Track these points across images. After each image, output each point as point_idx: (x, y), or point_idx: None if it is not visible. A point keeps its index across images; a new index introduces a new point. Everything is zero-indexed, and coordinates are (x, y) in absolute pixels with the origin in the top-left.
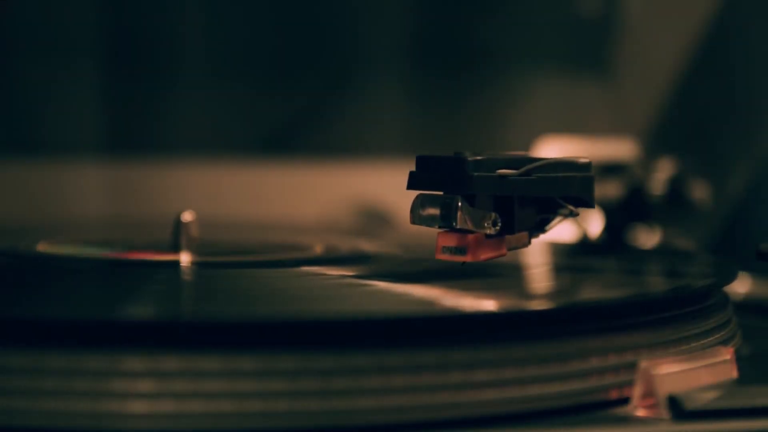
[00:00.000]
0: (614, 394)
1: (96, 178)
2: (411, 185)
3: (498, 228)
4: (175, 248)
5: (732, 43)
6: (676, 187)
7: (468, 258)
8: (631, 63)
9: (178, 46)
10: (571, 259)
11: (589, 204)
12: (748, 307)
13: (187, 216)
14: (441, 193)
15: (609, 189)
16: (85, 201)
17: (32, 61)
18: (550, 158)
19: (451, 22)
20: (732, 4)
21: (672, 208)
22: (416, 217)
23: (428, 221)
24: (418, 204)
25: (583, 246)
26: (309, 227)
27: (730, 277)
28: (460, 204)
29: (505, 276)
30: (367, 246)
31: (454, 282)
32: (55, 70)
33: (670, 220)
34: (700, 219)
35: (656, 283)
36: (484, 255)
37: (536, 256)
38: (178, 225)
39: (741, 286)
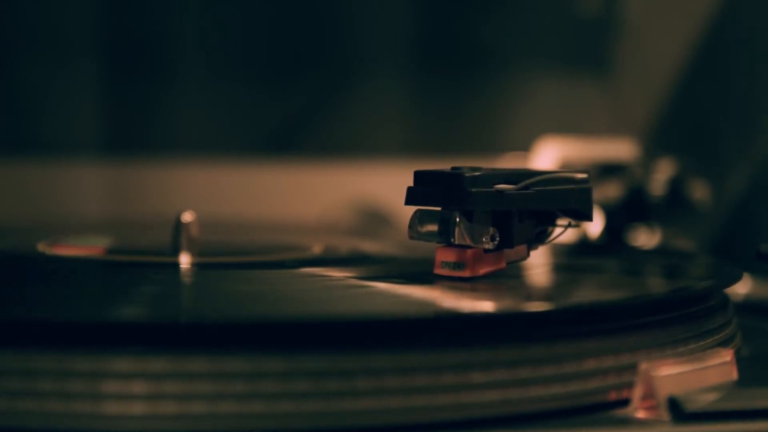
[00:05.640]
0: (614, 396)
1: (96, 178)
2: (409, 200)
3: (496, 243)
4: (175, 249)
5: (732, 44)
6: (676, 187)
7: (467, 273)
8: (631, 63)
9: (178, 46)
10: (571, 259)
11: (587, 216)
12: (748, 307)
13: (187, 216)
14: (439, 208)
15: (609, 189)
16: (85, 201)
17: (32, 61)
18: (548, 172)
19: (451, 22)
20: (732, 4)
21: (672, 208)
22: (415, 233)
23: (427, 237)
24: (416, 220)
25: (583, 246)
26: (309, 227)
27: (733, 279)
28: (458, 220)
29: (504, 277)
30: (367, 246)
31: (453, 283)
32: (55, 70)
33: (670, 220)
34: (700, 219)
35: (656, 284)
36: (483, 270)
37: (536, 257)
38: (178, 225)
39: (741, 287)
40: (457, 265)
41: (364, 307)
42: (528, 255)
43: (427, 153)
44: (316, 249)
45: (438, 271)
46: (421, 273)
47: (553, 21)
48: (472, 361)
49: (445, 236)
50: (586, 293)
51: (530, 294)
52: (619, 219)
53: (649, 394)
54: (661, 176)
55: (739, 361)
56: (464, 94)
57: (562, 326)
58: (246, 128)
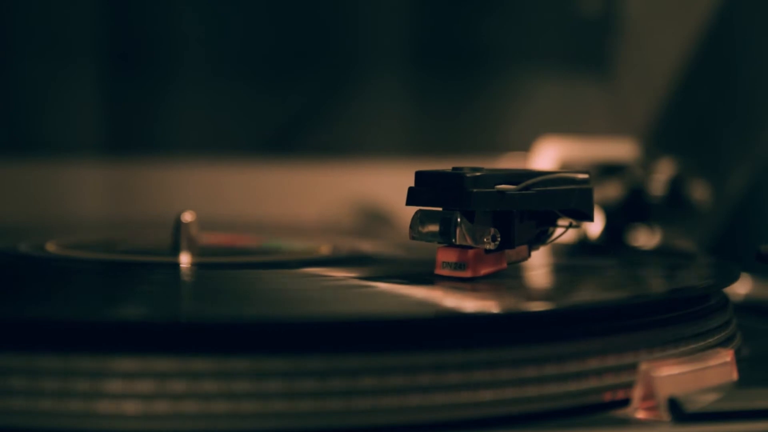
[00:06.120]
0: (614, 396)
1: (96, 178)
2: (410, 201)
3: (497, 243)
4: (175, 249)
5: (732, 43)
6: (676, 187)
7: (468, 273)
8: (631, 63)
9: (178, 45)
10: (571, 259)
11: (588, 217)
12: (748, 308)
13: (187, 216)
14: (440, 209)
15: (609, 190)
16: (85, 201)
17: (32, 61)
18: (549, 172)
19: (451, 22)
20: (732, 4)
21: (672, 208)
22: (416, 233)
23: (428, 237)
24: (418, 220)
25: (583, 246)
26: (309, 227)
27: (732, 279)
28: (459, 220)
29: (504, 277)
30: (367, 246)
31: (454, 283)
32: (55, 70)
33: (670, 220)
34: (701, 220)
35: (656, 284)
36: (484, 270)
37: (536, 257)
38: (178, 225)
39: (741, 287)
40: (459, 266)
41: (365, 308)
42: (529, 255)
43: (427, 153)
44: (317, 249)
45: (439, 271)
46: (422, 273)
47: (553, 21)
48: (472, 361)
49: (446, 236)
50: (587, 293)
51: (531, 294)
52: (619, 219)
53: (649, 395)
54: (661, 176)
55: (739, 361)
56: (464, 94)
57: (563, 326)
58: (246, 128)
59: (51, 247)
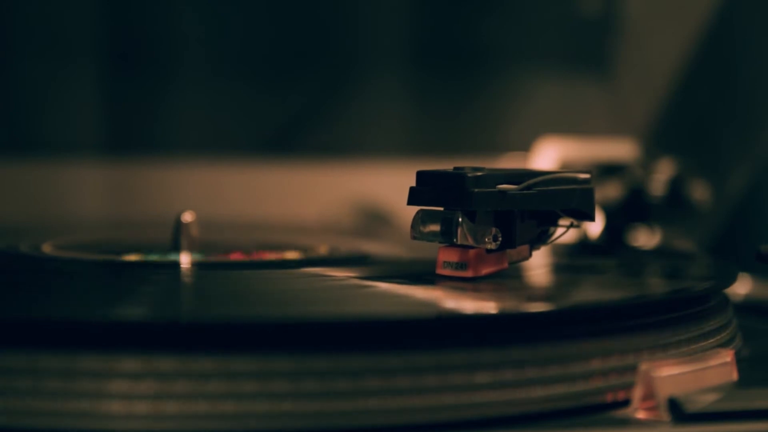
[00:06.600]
0: (614, 397)
1: (96, 178)
2: (411, 201)
3: (498, 243)
4: (175, 248)
5: (732, 43)
6: (676, 187)
7: (469, 273)
8: (631, 63)
9: (178, 45)
10: (571, 259)
11: (589, 216)
12: (748, 308)
13: (187, 216)
14: (441, 208)
15: (609, 190)
16: (85, 201)
17: (32, 61)
18: (550, 172)
19: (451, 21)
20: (732, 4)
21: (672, 208)
22: (417, 233)
23: (429, 237)
24: (419, 220)
25: (583, 247)
26: (309, 227)
27: (730, 280)
28: (460, 220)
29: (506, 277)
30: (368, 246)
31: (454, 283)
32: (55, 70)
33: (670, 220)
34: (701, 220)
35: (656, 284)
36: (486, 270)
37: (536, 257)
38: (178, 225)
39: (741, 288)
40: (460, 266)
41: (367, 308)
42: (530, 255)
43: (427, 153)
44: (317, 249)
45: (440, 271)
46: (423, 273)
47: (553, 21)
48: (472, 362)
49: (447, 236)
50: (587, 293)
51: (531, 294)
52: (619, 219)
53: (649, 395)
54: (661, 176)
55: (740, 361)
56: (464, 94)
57: (563, 327)
58: (246, 128)
59: (51, 247)
